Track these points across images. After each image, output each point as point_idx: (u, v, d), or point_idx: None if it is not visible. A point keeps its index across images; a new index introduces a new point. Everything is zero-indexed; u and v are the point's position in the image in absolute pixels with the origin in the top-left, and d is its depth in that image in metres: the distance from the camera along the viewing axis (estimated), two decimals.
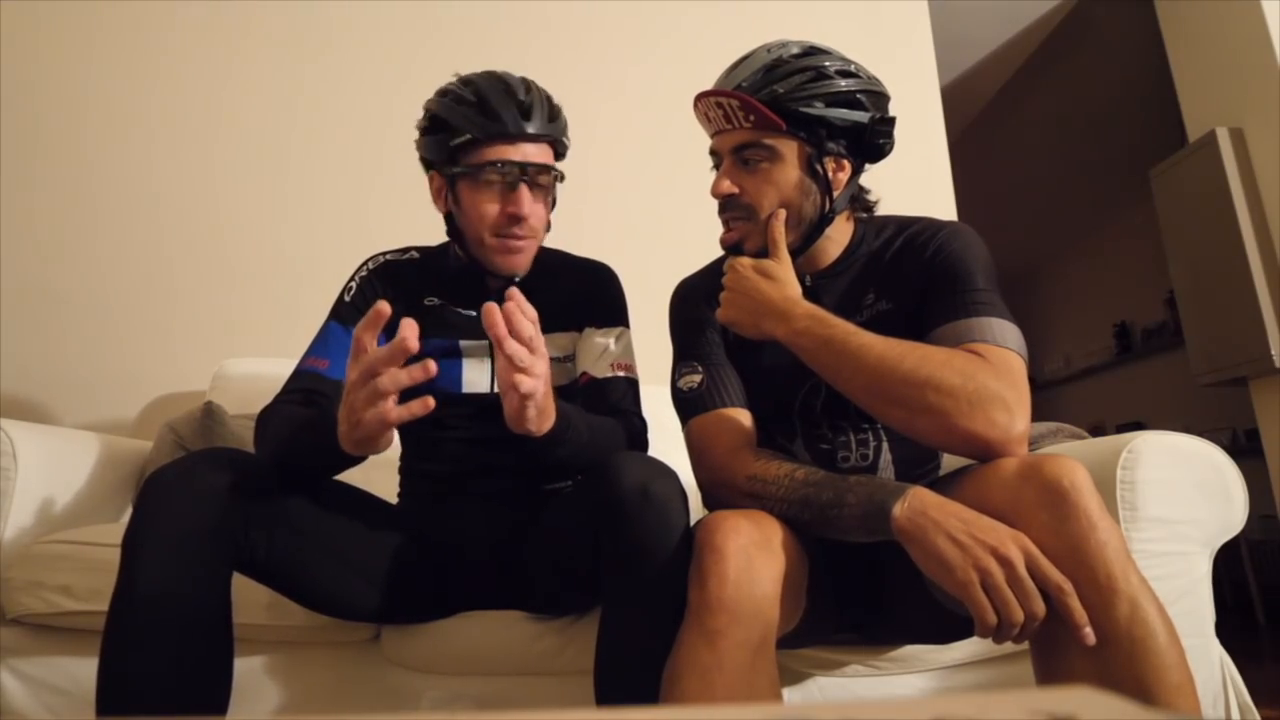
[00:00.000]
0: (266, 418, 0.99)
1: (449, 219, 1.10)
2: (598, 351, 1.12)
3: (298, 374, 1.04)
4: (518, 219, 1.05)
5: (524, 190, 1.05)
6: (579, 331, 1.15)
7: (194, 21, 2.22)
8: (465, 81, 1.08)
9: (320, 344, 1.07)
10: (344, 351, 1.03)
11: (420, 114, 1.11)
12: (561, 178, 1.11)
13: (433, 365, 0.77)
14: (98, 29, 2.18)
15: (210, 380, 1.78)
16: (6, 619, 1.18)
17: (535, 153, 1.06)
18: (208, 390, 1.76)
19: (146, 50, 2.20)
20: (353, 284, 1.12)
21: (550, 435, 0.89)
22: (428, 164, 1.11)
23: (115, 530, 1.23)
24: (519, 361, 0.80)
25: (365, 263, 1.16)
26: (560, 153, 1.11)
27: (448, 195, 1.08)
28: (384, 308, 0.77)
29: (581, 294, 1.17)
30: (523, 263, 1.09)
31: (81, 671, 1.14)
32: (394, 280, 1.13)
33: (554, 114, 1.08)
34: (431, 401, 0.78)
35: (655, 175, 2.24)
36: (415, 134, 1.12)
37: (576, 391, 1.12)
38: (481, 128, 1.03)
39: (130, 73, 2.18)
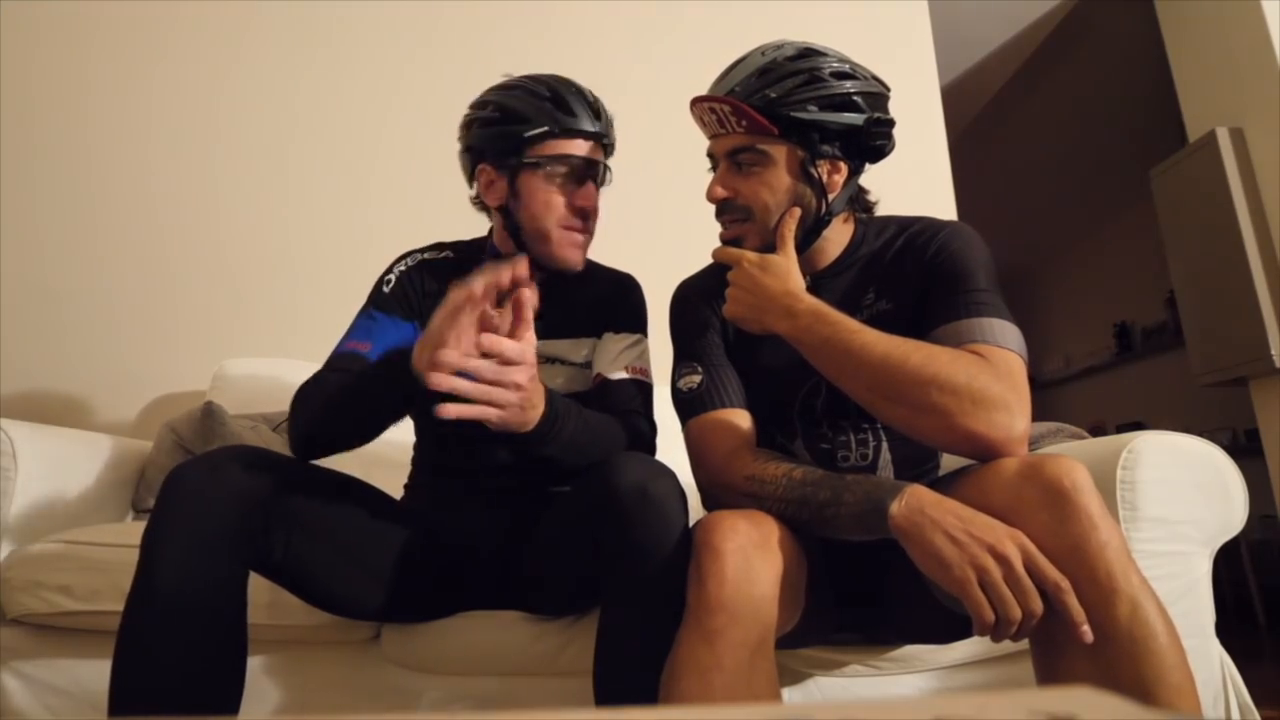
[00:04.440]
0: (309, 389, 0.98)
1: (505, 214, 1.10)
2: (613, 355, 1.13)
3: (340, 354, 1.04)
4: (587, 212, 1.09)
5: (591, 185, 1.08)
6: (598, 338, 1.16)
7: (194, 21, 2.22)
8: (531, 78, 1.09)
9: (363, 330, 1.07)
10: (386, 339, 1.06)
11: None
12: (611, 179, 1.14)
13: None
14: (97, 29, 2.18)
15: (210, 380, 1.78)
16: (6, 619, 1.18)
17: (597, 152, 1.09)
18: (208, 390, 1.76)
19: (146, 50, 2.20)
20: (390, 277, 1.13)
21: (536, 432, 0.89)
22: (477, 156, 1.10)
23: (115, 530, 1.23)
24: (511, 357, 0.80)
25: (403, 258, 1.17)
26: (608, 156, 1.14)
27: (505, 189, 1.08)
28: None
29: (604, 301, 1.18)
30: (582, 258, 1.12)
31: (82, 672, 1.14)
32: (430, 278, 1.14)
33: (611, 119, 1.12)
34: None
35: (655, 175, 2.24)
36: (459, 128, 1.11)
37: (590, 394, 1.12)
38: (557, 120, 1.05)
39: (130, 73, 2.18)
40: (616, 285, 1.22)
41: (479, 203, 1.15)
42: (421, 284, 1.13)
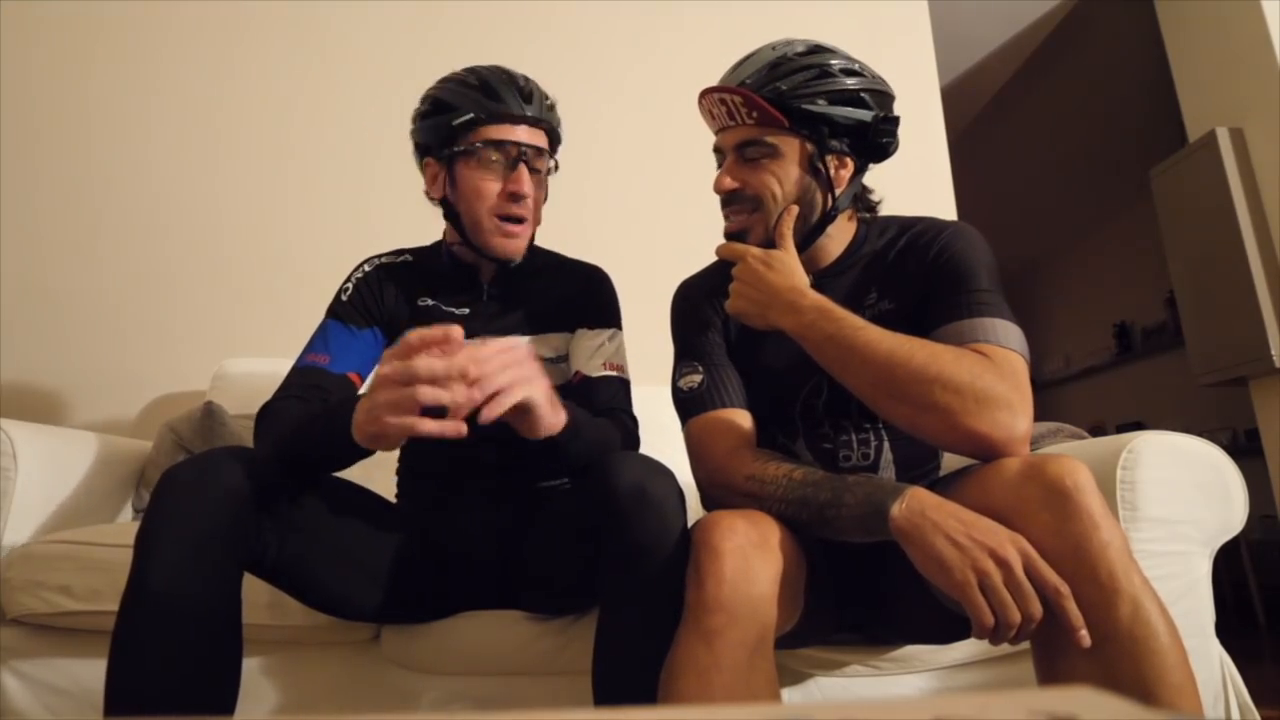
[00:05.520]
0: (268, 414, 0.99)
1: (446, 205, 1.11)
2: (590, 351, 1.13)
3: (299, 370, 1.04)
4: (518, 196, 1.08)
5: (524, 169, 1.08)
6: (571, 333, 1.16)
7: (194, 21, 2.22)
8: (468, 70, 1.11)
9: (320, 341, 1.08)
10: (345, 348, 1.06)
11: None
12: (556, 168, 1.14)
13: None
14: (98, 29, 2.18)
15: (210, 380, 1.78)
16: (6, 619, 1.18)
17: (533, 137, 1.09)
18: (208, 390, 1.76)
19: (146, 50, 2.20)
20: (349, 285, 1.13)
21: (566, 431, 0.91)
22: (423, 151, 1.12)
23: (115, 530, 1.23)
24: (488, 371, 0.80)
25: (361, 265, 1.17)
26: (554, 145, 1.14)
27: (445, 180, 1.10)
28: (456, 334, 0.79)
29: (575, 296, 1.18)
30: (520, 247, 1.11)
31: (81, 671, 1.14)
32: (390, 282, 1.15)
33: (551, 104, 1.12)
34: (465, 428, 0.79)
35: (655, 175, 2.24)
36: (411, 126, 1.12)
37: (571, 391, 1.12)
38: (483, 107, 1.06)
39: (130, 73, 2.18)
40: (586, 279, 1.21)
41: (430, 198, 1.16)
42: (380, 289, 1.13)
